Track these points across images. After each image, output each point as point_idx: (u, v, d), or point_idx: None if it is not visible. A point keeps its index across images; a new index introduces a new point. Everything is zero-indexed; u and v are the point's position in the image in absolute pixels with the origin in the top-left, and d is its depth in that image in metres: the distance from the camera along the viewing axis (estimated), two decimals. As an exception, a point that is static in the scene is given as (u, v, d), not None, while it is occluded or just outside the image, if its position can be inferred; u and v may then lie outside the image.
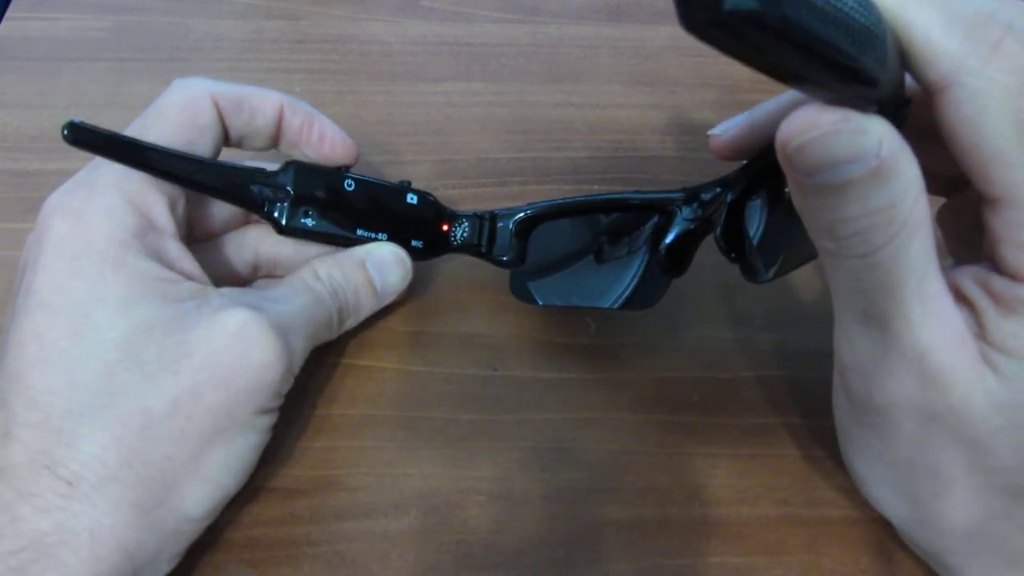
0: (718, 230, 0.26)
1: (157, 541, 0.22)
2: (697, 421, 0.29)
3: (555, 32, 0.43)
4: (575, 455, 0.28)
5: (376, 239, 0.28)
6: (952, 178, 0.22)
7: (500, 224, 0.29)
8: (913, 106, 0.20)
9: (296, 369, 0.25)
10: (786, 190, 0.21)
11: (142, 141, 0.24)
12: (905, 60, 0.19)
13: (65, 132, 0.22)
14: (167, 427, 0.22)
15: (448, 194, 0.35)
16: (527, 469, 0.27)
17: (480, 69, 0.40)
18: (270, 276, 0.30)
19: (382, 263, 0.28)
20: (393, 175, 0.35)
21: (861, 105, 0.17)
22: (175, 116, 0.25)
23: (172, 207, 0.25)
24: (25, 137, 0.36)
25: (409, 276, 0.29)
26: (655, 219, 0.28)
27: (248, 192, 0.26)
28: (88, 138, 0.23)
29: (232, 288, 0.25)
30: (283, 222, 0.26)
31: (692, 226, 0.27)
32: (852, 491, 0.24)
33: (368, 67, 0.40)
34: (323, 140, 0.27)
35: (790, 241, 0.25)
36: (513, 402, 0.29)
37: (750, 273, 0.26)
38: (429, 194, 0.29)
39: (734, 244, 0.26)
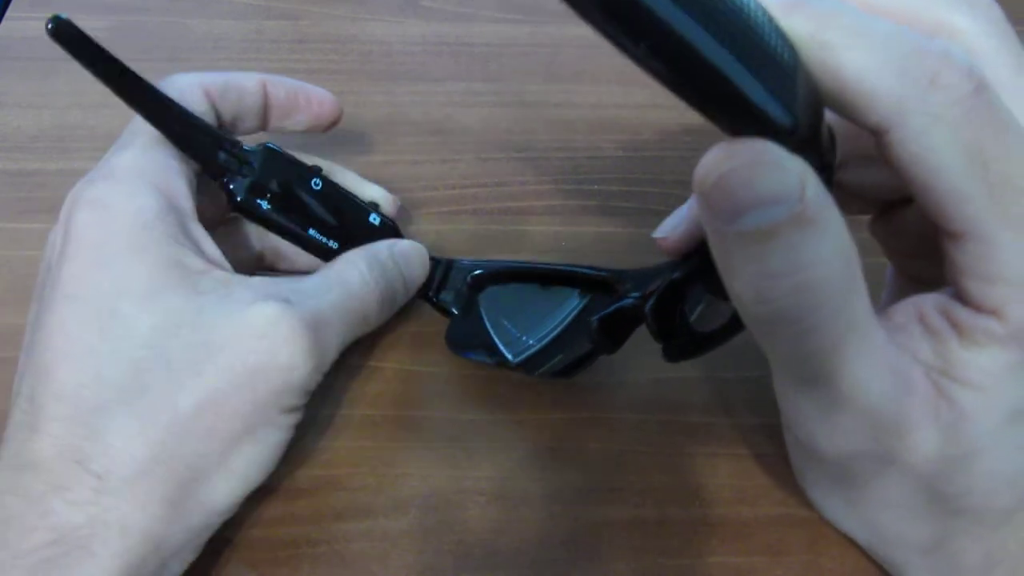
0: (648, 307, 0.25)
1: (185, 534, 0.22)
2: (697, 421, 0.29)
3: (555, 32, 0.43)
4: (575, 455, 0.28)
5: (327, 245, 0.28)
6: (887, 201, 0.21)
7: (455, 274, 0.29)
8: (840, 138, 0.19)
9: (327, 367, 0.25)
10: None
11: (124, 65, 0.23)
12: (836, 104, 0.18)
13: (49, 26, 0.21)
14: (194, 425, 0.22)
15: (448, 194, 0.35)
16: (527, 469, 0.27)
17: (480, 69, 0.40)
18: (273, 268, 0.30)
19: (406, 256, 0.28)
20: (393, 175, 0.35)
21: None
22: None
23: (191, 188, 0.25)
24: (25, 137, 0.36)
25: (427, 268, 0.29)
26: (590, 296, 0.28)
27: (214, 156, 0.26)
28: (70, 37, 0.22)
29: (262, 279, 0.25)
30: (239, 197, 0.26)
31: (631, 303, 0.25)
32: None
33: (368, 67, 0.40)
34: (311, 102, 0.28)
35: (716, 322, 0.25)
36: (513, 402, 0.29)
37: (672, 354, 0.26)
38: (392, 221, 0.29)
39: (663, 324, 0.25)
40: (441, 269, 0.30)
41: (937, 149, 0.17)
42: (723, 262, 0.18)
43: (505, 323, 0.28)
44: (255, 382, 0.23)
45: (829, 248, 0.17)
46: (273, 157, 0.27)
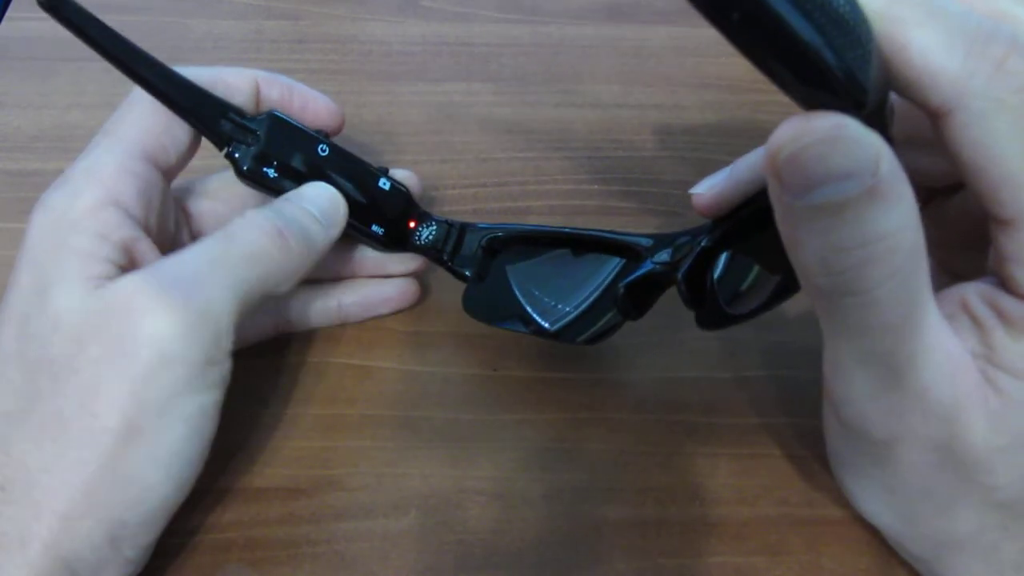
0: (680, 274, 0.25)
1: (91, 551, 0.21)
2: (697, 421, 0.29)
3: (555, 32, 0.43)
4: (575, 455, 0.28)
5: None
6: (934, 188, 0.21)
7: (469, 237, 0.29)
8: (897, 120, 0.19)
9: (227, 326, 0.22)
10: (763, 237, 0.19)
11: (121, 35, 0.23)
12: (900, 82, 0.18)
13: None
14: (77, 429, 0.21)
15: (448, 194, 0.35)
16: (527, 469, 0.27)
17: (480, 69, 0.40)
18: (288, 331, 0.29)
19: (308, 194, 0.26)
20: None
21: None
22: (150, 104, 0.25)
23: (143, 192, 0.24)
24: (25, 137, 0.36)
25: (342, 207, 0.26)
26: (622, 259, 0.28)
27: (218, 124, 0.25)
28: (63, 10, 0.21)
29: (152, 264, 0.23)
30: (244, 166, 0.26)
31: (658, 269, 0.26)
32: (849, 501, 0.24)
33: (368, 67, 0.40)
34: (306, 109, 0.27)
35: (755, 289, 0.25)
36: (513, 402, 0.29)
37: (705, 322, 0.26)
38: (403, 187, 0.29)
39: (695, 291, 0.25)
40: (455, 233, 0.29)
41: (997, 134, 0.17)
42: (788, 232, 0.18)
43: (536, 292, 0.28)
44: (126, 366, 0.20)
45: (898, 221, 0.17)
46: (278, 124, 0.26)
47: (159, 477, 0.21)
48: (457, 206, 0.34)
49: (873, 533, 0.26)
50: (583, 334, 0.27)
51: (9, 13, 0.41)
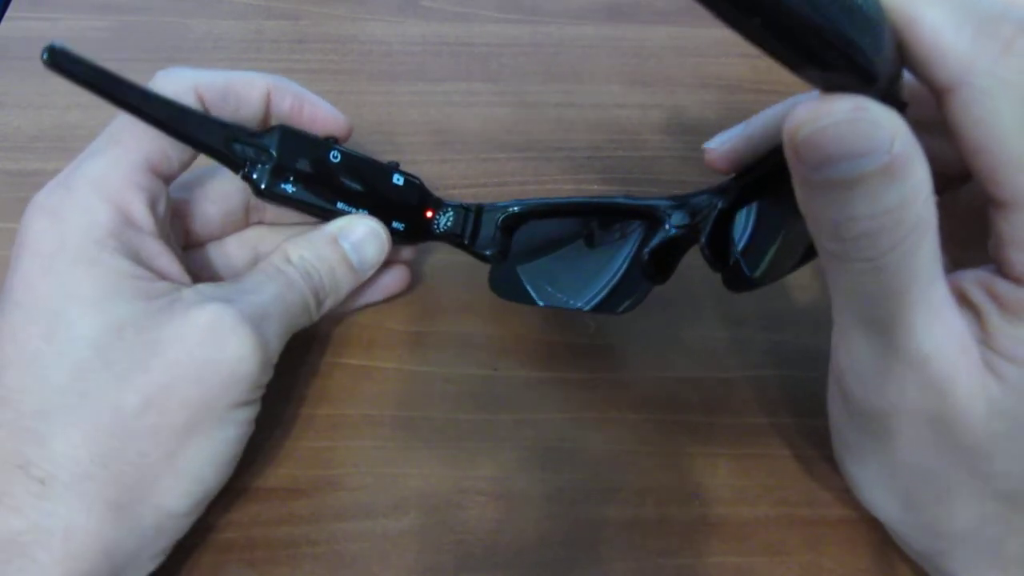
0: (703, 238, 0.25)
1: (136, 539, 0.22)
2: (697, 421, 0.29)
3: (555, 32, 0.43)
4: (575, 455, 0.28)
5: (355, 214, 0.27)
6: (945, 176, 0.21)
7: (486, 217, 0.29)
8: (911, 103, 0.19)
9: (274, 358, 0.25)
10: (781, 196, 0.20)
11: (124, 78, 0.23)
12: (909, 59, 0.18)
13: (44, 56, 0.21)
14: (139, 424, 0.22)
15: (448, 194, 0.35)
16: (527, 469, 0.27)
17: (480, 69, 0.40)
18: None
19: (356, 238, 0.27)
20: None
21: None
22: None
23: (152, 205, 0.24)
24: (25, 137, 0.36)
25: (386, 248, 0.28)
26: (641, 225, 0.28)
27: (230, 149, 0.25)
28: (67, 64, 0.21)
29: (207, 284, 0.25)
30: (262, 185, 0.26)
31: (679, 233, 0.26)
32: (851, 490, 0.24)
33: (368, 67, 0.40)
34: (315, 121, 0.27)
35: (779, 249, 0.25)
36: (513, 402, 0.29)
37: (733, 283, 0.26)
38: (416, 178, 0.29)
39: (719, 253, 0.25)
40: (471, 215, 0.29)
41: (1000, 114, 0.18)
42: (803, 199, 0.18)
43: (555, 292, 0.29)
44: (202, 375, 0.22)
45: (910, 194, 0.17)
46: (288, 137, 0.26)
47: (210, 472, 0.23)
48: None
49: (873, 533, 0.26)
50: (622, 306, 0.28)
51: (9, 13, 0.41)
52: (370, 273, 0.28)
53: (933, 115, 0.19)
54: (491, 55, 0.41)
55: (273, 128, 0.26)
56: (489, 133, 0.37)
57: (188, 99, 0.25)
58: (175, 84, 0.25)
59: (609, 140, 0.37)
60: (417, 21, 0.43)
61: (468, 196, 0.35)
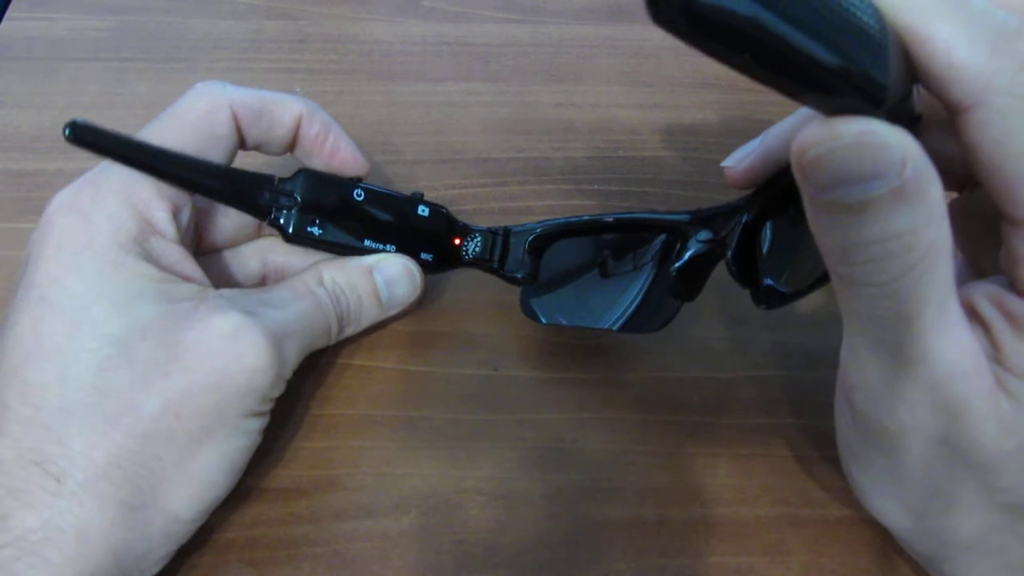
0: (730, 253, 0.25)
1: (145, 541, 0.22)
2: (697, 421, 0.29)
3: (555, 32, 0.43)
4: (575, 455, 0.28)
5: (384, 250, 0.28)
6: (965, 175, 0.21)
7: (513, 240, 0.29)
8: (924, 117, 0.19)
9: (288, 374, 0.25)
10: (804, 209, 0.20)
11: (147, 144, 0.23)
12: (922, 76, 0.18)
13: (67, 132, 0.21)
14: (156, 427, 0.22)
15: (448, 194, 0.35)
16: (527, 469, 0.27)
17: (480, 69, 0.40)
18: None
19: (390, 274, 0.28)
20: (393, 175, 0.35)
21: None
22: (192, 124, 0.25)
23: (175, 213, 0.25)
24: (25, 137, 0.36)
25: (419, 289, 0.28)
26: (665, 241, 0.28)
27: (257, 199, 0.26)
28: (90, 138, 0.22)
29: (232, 290, 0.25)
30: (290, 230, 0.26)
31: (706, 248, 0.26)
32: (852, 491, 0.24)
33: (368, 67, 0.40)
34: (335, 155, 0.27)
35: (805, 264, 0.25)
36: (513, 402, 0.29)
37: (762, 299, 0.26)
38: (442, 207, 0.29)
39: (746, 269, 0.25)
40: (500, 239, 0.29)
41: (1017, 133, 0.17)
42: (812, 220, 0.18)
43: (584, 313, 0.29)
44: (219, 383, 0.23)
45: (922, 219, 0.16)
46: (312, 180, 0.27)
47: (221, 478, 0.24)
48: (457, 206, 0.34)
49: (874, 533, 0.26)
50: (653, 322, 0.28)
51: (9, 13, 0.41)
52: (396, 312, 0.29)
53: (940, 114, 0.18)
54: (491, 55, 0.41)
55: (297, 172, 0.27)
56: (489, 133, 0.37)
57: (221, 115, 0.25)
58: (211, 99, 0.25)
59: (609, 140, 0.37)
60: (417, 21, 0.43)
61: (468, 196, 0.35)
